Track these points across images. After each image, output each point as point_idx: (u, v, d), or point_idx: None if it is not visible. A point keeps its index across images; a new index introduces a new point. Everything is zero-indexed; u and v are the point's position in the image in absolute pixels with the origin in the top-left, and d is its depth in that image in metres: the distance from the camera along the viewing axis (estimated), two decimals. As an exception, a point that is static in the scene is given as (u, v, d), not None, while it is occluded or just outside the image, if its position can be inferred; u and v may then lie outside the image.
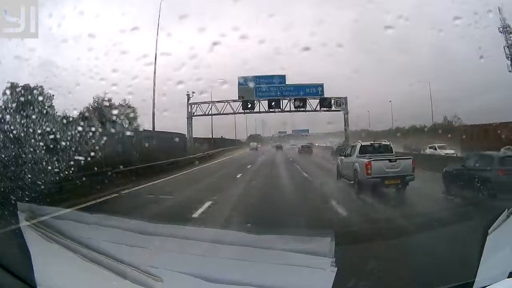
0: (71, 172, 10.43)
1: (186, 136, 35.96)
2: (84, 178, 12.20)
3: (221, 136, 48.46)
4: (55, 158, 10.37)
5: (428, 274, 4.37)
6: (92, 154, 11.89)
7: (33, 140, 10.50)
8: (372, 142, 15.48)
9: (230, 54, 49.45)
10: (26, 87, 15.01)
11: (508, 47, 29.16)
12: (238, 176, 19.04)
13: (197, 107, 36.65)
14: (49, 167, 9.82)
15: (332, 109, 36.26)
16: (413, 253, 5.63)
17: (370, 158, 13.18)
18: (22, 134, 10.47)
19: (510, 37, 27.99)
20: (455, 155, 25.86)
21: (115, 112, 23.49)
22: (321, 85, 36.23)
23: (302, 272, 2.38)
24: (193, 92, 35.13)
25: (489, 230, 2.41)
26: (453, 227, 6.88)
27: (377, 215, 9.85)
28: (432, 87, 37.02)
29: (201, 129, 39.25)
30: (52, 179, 9.67)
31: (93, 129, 13.49)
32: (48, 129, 11.41)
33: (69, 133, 11.82)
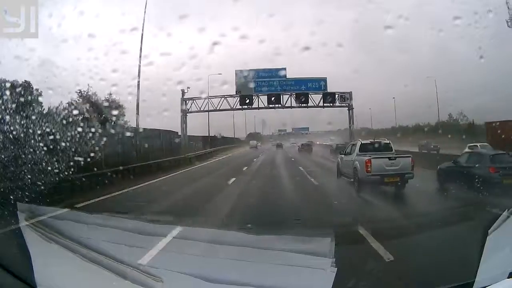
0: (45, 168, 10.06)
1: (180, 134, 33.36)
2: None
3: (220, 134, 47.21)
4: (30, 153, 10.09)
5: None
6: (63, 151, 11.18)
7: (19, 137, 10.32)
8: (372, 141, 15.51)
9: (230, 54, 49.41)
10: (14, 84, 14.63)
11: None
12: (230, 182, 15.05)
13: (192, 103, 33.88)
14: (32, 164, 9.62)
15: (336, 104, 33.43)
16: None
17: (370, 156, 13.22)
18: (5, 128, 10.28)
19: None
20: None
21: (99, 107, 21.66)
22: (324, 79, 33.30)
23: (302, 272, 2.37)
24: (188, 88, 32.84)
25: (489, 230, 2.40)
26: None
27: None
28: (430, 87, 36.83)
29: (200, 127, 37.79)
30: (32, 176, 9.43)
31: (71, 124, 12.98)
32: (34, 125, 11.15)
33: (47, 129, 11.40)
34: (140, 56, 22.16)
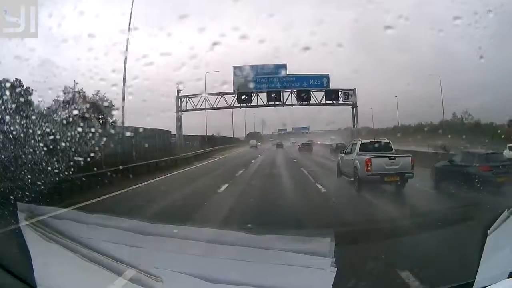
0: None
1: (175, 133, 31.69)
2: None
3: (218, 134, 45.35)
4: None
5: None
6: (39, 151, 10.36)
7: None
8: (372, 140, 15.57)
9: (230, 54, 49.33)
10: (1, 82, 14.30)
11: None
12: (220, 191, 12.77)
13: (187, 101, 31.97)
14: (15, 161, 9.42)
15: (339, 102, 31.68)
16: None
17: (371, 156, 13.27)
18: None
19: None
20: None
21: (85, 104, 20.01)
22: (327, 76, 31.30)
23: (302, 272, 2.37)
24: (179, 83, 30.87)
25: (489, 230, 2.40)
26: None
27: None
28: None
29: (198, 127, 36.82)
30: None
31: (52, 122, 12.39)
32: (24, 122, 10.92)
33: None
34: (126, 50, 21.01)
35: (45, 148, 10.58)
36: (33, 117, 11.94)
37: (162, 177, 17.92)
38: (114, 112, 22.52)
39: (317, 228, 7.08)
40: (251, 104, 31.81)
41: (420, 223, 7.50)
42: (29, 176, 9.49)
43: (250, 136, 59.15)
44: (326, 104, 31.49)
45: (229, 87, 31.28)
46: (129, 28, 20.96)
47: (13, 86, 14.49)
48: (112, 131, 18.36)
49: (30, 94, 16.77)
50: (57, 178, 10.36)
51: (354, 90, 31.83)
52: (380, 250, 5.50)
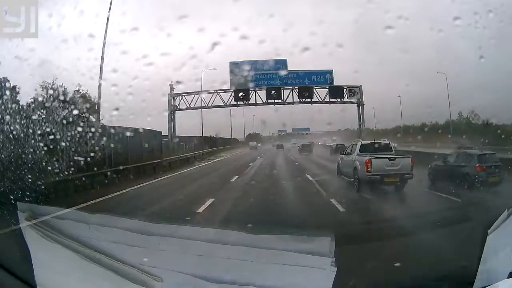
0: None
1: (168, 134, 29.22)
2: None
3: (216, 135, 43.89)
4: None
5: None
6: None
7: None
8: (373, 141, 15.65)
9: (231, 54, 49.11)
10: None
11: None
12: (199, 211, 9.61)
13: (181, 100, 29.78)
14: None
15: (344, 100, 29.38)
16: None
17: (371, 156, 13.33)
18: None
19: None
20: None
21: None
22: (330, 72, 28.89)
23: (302, 272, 2.38)
24: (177, 82, 28.86)
25: (489, 230, 2.40)
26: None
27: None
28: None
29: (197, 127, 36.07)
30: None
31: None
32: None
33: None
34: (104, 38, 19.40)
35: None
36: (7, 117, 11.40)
37: (142, 184, 14.57)
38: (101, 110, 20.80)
39: (317, 228, 7.09)
40: (249, 102, 29.63)
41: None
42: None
43: (249, 137, 58.99)
44: (330, 102, 29.40)
45: (229, 87, 29.41)
46: (107, 21, 19.58)
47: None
48: (90, 130, 15.55)
49: (18, 92, 16.01)
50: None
51: (360, 87, 29.75)
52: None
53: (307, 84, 29.43)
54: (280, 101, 29.43)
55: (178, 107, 30.53)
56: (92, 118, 19.80)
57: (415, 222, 7.88)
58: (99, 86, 19.16)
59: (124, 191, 13.46)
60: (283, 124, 56.15)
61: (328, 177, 17.31)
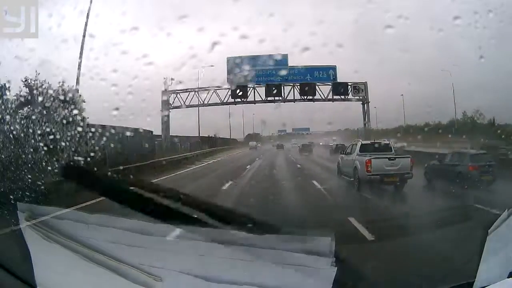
0: None
1: (161, 134, 28.00)
2: None
3: (215, 135, 43.40)
4: None
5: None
6: None
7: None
8: (372, 141, 15.74)
9: (230, 53, 49.01)
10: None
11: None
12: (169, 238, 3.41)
13: (175, 97, 28.56)
14: None
15: (348, 97, 28.15)
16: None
17: (371, 156, 13.41)
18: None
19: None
20: None
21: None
22: (333, 68, 27.75)
23: (302, 272, 2.37)
24: (172, 79, 27.30)
25: (489, 230, 2.40)
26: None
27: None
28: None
29: (195, 127, 35.53)
30: None
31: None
32: None
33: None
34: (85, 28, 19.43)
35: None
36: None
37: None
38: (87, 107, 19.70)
39: (317, 228, 7.08)
40: (248, 99, 28.45)
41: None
42: None
43: (249, 137, 58.86)
44: (333, 100, 28.32)
45: (226, 84, 28.20)
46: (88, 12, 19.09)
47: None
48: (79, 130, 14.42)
49: (8, 90, 15.43)
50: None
51: (365, 84, 28.73)
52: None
53: (309, 80, 28.15)
54: (280, 98, 28.27)
55: (173, 105, 29.13)
56: (78, 116, 17.80)
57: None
58: (77, 79, 18.18)
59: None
60: (283, 124, 55.84)
61: (341, 183, 15.54)
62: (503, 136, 24.97)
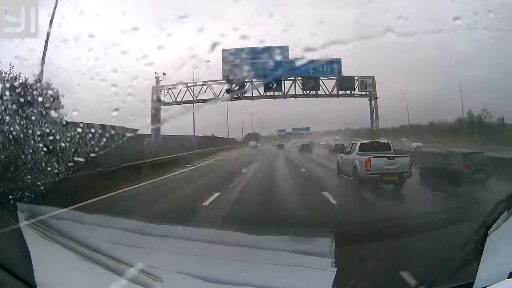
0: None
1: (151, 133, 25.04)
2: None
3: (212, 135, 41.75)
4: None
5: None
6: None
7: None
8: (372, 140, 15.78)
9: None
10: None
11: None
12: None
13: (166, 93, 25.49)
14: None
15: (355, 93, 25.43)
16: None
17: (370, 155, 13.46)
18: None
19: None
20: None
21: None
22: (338, 61, 24.41)
23: (302, 273, 2.37)
24: (164, 74, 24.60)
25: (489, 230, 2.40)
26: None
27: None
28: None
29: (196, 126, 34.20)
30: None
31: None
32: None
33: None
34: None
35: None
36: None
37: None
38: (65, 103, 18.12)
39: (317, 228, 7.08)
40: (245, 95, 25.31)
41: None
42: None
43: (248, 137, 58.45)
44: (338, 96, 25.41)
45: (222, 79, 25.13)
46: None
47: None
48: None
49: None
50: None
51: (372, 78, 25.70)
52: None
53: (312, 74, 25.15)
54: (280, 94, 25.29)
55: (164, 102, 26.22)
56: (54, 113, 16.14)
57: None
58: (41, 72, 14.90)
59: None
60: (282, 123, 55.69)
61: (342, 190, 13.59)
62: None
